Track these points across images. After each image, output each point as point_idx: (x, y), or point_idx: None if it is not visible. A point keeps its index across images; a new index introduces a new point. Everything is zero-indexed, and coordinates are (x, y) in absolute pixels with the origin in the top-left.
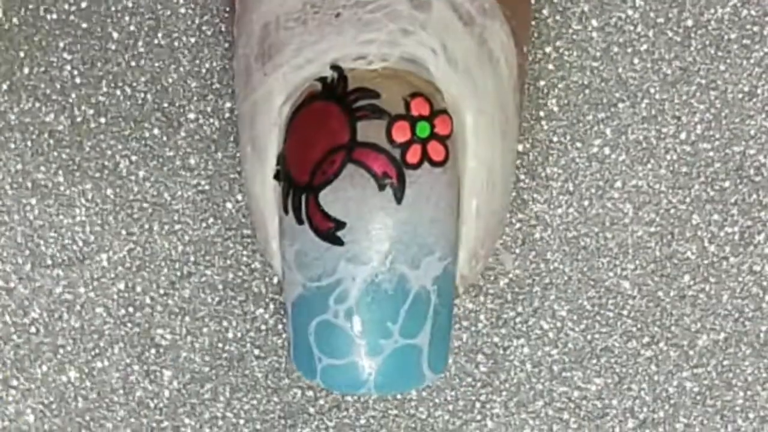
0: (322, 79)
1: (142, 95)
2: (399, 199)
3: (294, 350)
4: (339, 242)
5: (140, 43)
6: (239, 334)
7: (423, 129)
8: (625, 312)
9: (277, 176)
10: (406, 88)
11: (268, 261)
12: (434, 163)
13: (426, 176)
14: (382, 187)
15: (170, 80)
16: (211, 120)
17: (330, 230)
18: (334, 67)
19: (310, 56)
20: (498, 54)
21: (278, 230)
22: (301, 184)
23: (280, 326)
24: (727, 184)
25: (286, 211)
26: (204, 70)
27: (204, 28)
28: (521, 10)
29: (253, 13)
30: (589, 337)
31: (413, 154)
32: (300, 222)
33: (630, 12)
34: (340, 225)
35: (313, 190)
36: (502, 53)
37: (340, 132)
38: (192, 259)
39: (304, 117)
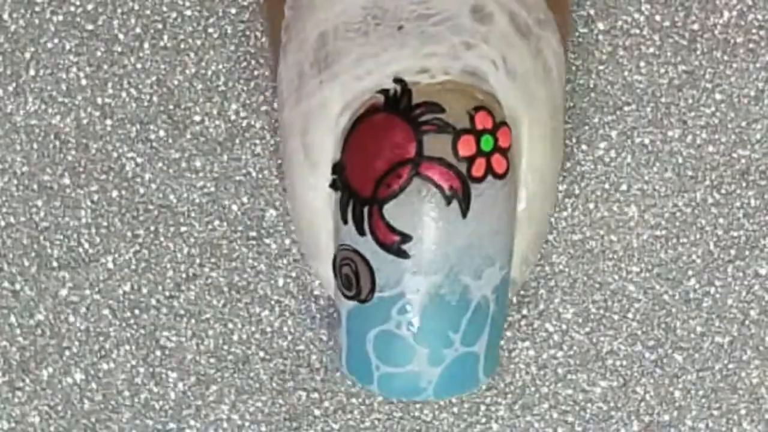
0: (384, 92)
1: (148, 97)
2: (465, 212)
3: (348, 356)
4: (404, 255)
5: (146, 45)
6: (244, 336)
7: (487, 142)
8: (630, 315)
9: (332, 185)
10: (469, 101)
11: (313, 268)
12: (497, 176)
13: (489, 189)
14: (448, 201)
15: (176, 82)
16: (217, 122)
17: (395, 243)
18: (398, 80)
19: (370, 67)
20: (551, 63)
21: (332, 238)
22: (364, 196)
23: (285, 328)
24: (732, 187)
25: (345, 221)
26: (210, 73)
27: (210, 30)
28: (565, 18)
29: (308, 21)
30: (594, 339)
31: (478, 168)
32: (362, 233)
33: (636, 15)
34: (407, 238)
35: (377, 203)
36: (554, 62)
37: (406, 146)
38: (198, 261)
39: (366, 128)
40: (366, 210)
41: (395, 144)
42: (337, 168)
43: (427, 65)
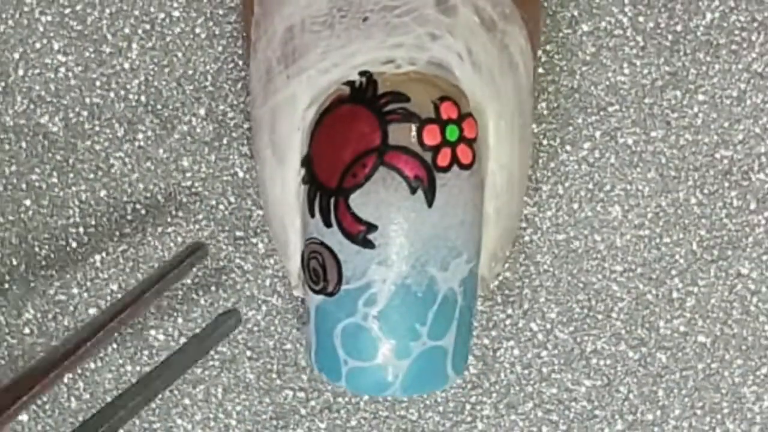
0: (350, 83)
1: (136, 97)
2: (430, 201)
3: (317, 353)
4: (370, 245)
5: (134, 46)
6: (231, 336)
7: (452, 132)
8: (614, 314)
9: (303, 179)
10: (434, 91)
11: (284, 264)
12: (463, 166)
13: (455, 179)
14: (413, 190)
15: (164, 83)
16: (204, 123)
17: (361, 233)
18: (363, 72)
19: (336, 60)
20: (517, 59)
21: (300, 233)
22: (330, 187)
23: (272, 328)
24: (715, 187)
25: (312, 215)
26: (197, 74)
27: (198, 31)
28: (534, 14)
29: (276, 15)
30: (578, 339)
31: (443, 158)
32: (328, 225)
33: (620, 17)
34: (372, 228)
35: (343, 193)
36: (521, 58)
37: (371, 135)
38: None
39: (332, 120)
40: (332, 201)
41: (361, 134)
42: (305, 161)
43: (392, 56)
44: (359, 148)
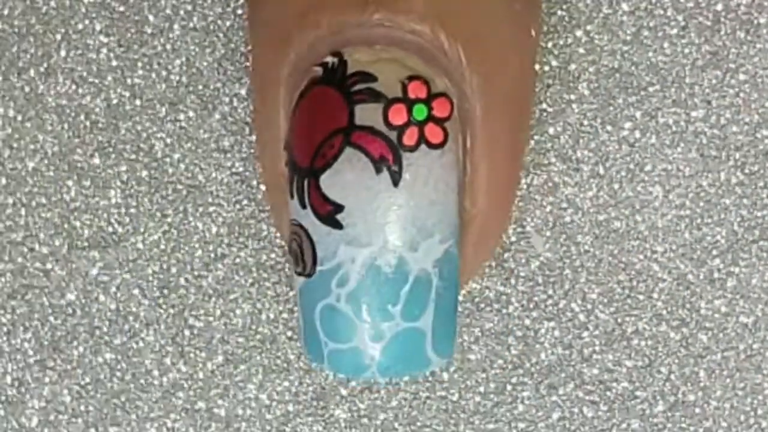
0: (323, 64)
1: (178, 78)
2: (396, 181)
3: (304, 335)
4: (338, 225)
5: (176, 27)
6: (272, 316)
7: (420, 111)
8: (655, 295)
9: (286, 162)
10: (403, 71)
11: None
12: (432, 146)
13: (423, 158)
14: (379, 170)
15: (205, 63)
16: (246, 103)
17: (329, 213)
18: (335, 53)
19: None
20: None
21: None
22: (304, 168)
23: None
24: (756, 167)
25: (291, 196)
26: (239, 54)
27: (239, 12)
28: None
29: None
30: (619, 319)
31: (410, 137)
32: (303, 206)
33: None
34: (339, 208)
35: (314, 174)
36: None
37: (339, 116)
38: (226, 240)
39: (305, 103)
40: (305, 182)
41: (330, 115)
42: (286, 145)
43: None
44: (327, 129)
